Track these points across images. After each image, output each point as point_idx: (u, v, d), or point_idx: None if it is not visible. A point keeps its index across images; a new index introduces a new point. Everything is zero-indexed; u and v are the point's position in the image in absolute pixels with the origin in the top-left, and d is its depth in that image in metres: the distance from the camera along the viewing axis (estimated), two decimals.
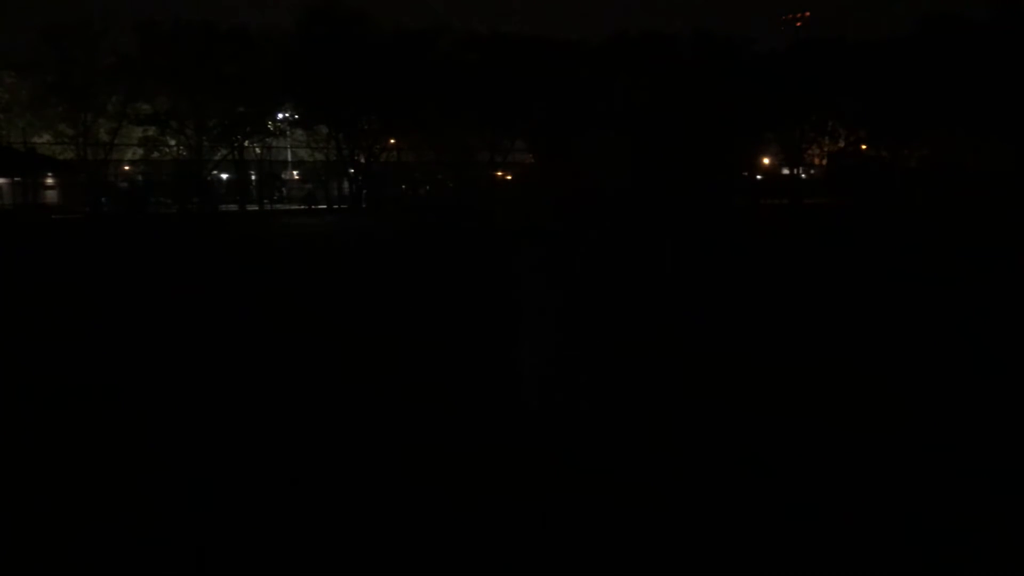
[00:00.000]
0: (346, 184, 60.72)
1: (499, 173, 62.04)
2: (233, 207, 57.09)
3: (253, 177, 61.87)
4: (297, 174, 67.81)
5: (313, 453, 4.87)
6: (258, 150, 60.56)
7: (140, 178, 59.37)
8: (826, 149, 65.73)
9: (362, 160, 58.54)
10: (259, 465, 4.63)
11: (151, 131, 53.59)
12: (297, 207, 59.21)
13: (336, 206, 58.90)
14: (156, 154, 55.52)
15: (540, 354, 5.07)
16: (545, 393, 4.98)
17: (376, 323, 9.39)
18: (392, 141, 60.95)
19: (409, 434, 5.17)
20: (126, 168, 60.06)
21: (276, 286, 13.36)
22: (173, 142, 55.60)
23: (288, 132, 61.53)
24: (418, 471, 4.51)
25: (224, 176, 62.26)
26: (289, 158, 66.22)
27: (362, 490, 4.25)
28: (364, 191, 58.35)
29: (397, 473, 4.48)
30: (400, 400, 5.93)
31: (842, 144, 64.06)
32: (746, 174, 64.61)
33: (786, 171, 66.83)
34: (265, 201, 60.17)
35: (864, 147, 63.04)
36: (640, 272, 14.38)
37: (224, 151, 57.27)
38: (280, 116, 59.38)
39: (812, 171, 68.70)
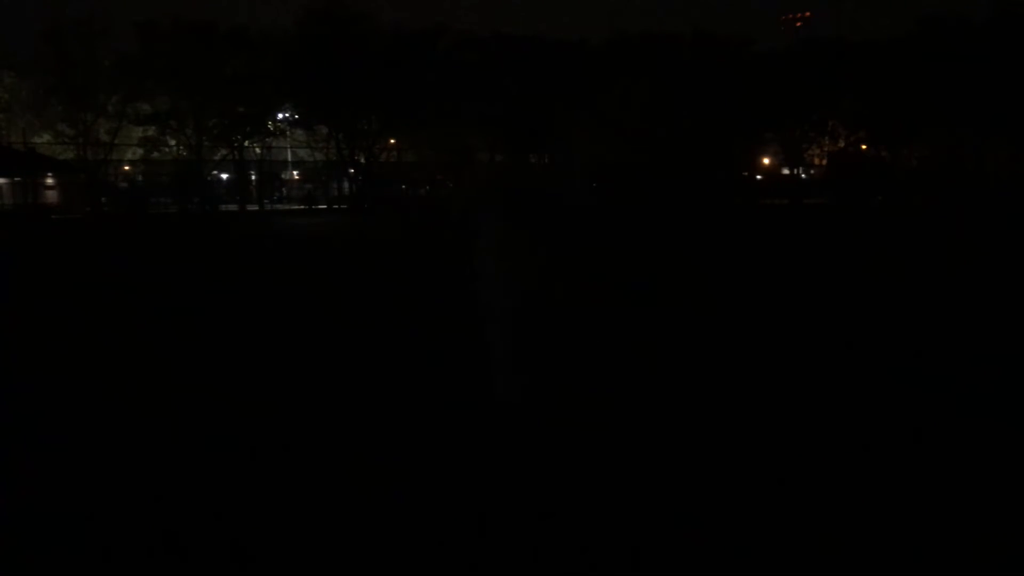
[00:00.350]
0: (346, 184, 60.79)
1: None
2: (233, 207, 57.15)
3: (253, 177, 61.94)
4: (297, 174, 67.91)
5: (306, 460, 4.87)
6: (258, 150, 60.63)
7: (140, 178, 59.45)
8: (826, 149, 65.80)
9: (362, 160, 58.61)
10: (247, 460, 4.64)
11: (151, 131, 53.67)
12: (297, 207, 59.29)
13: (336, 206, 58.97)
14: (156, 154, 55.60)
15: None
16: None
17: (371, 323, 9.40)
18: (392, 141, 61.04)
19: (394, 431, 5.17)
20: (126, 168, 60.15)
21: (275, 286, 13.38)
22: (173, 142, 55.69)
23: (288, 132, 61.60)
24: (396, 467, 4.52)
25: (224, 176, 62.34)
26: (289, 158, 66.30)
27: (354, 491, 4.25)
28: (364, 191, 58.42)
29: (378, 471, 4.49)
30: (383, 398, 5.94)
31: (842, 144, 64.12)
32: (746, 174, 64.68)
33: (786, 171, 66.91)
34: (265, 201, 60.26)
35: (864, 147, 63.10)
36: (629, 269, 14.42)
37: (224, 151, 57.33)
38: (280, 116, 59.45)
39: (812, 171, 68.75)
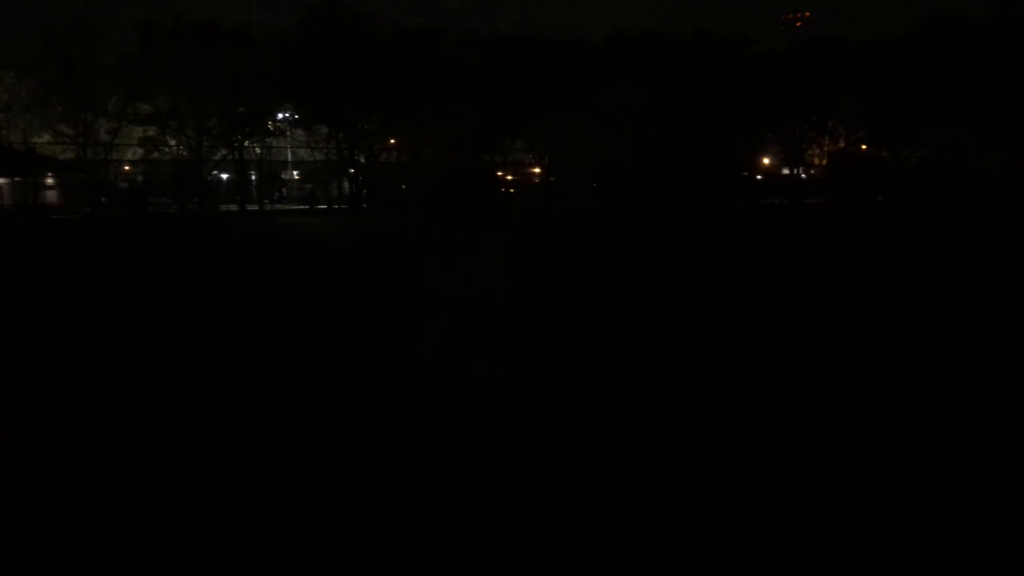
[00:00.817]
0: (346, 184, 60.77)
1: (499, 173, 62.08)
2: (233, 207, 57.11)
3: (253, 177, 61.89)
4: (297, 174, 67.87)
5: (301, 459, 4.88)
6: (258, 150, 60.58)
7: (140, 178, 59.41)
8: (826, 149, 65.78)
9: (362, 160, 58.59)
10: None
11: (151, 131, 53.63)
12: (297, 207, 59.25)
13: (336, 206, 58.94)
14: (156, 154, 55.53)
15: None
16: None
17: (367, 323, 9.40)
18: (392, 141, 60.99)
19: (392, 430, 5.18)
20: (126, 168, 60.09)
21: (268, 287, 13.37)
22: (173, 142, 55.63)
23: (288, 132, 61.54)
24: (397, 467, 4.52)
25: (224, 176, 62.28)
26: (289, 158, 66.26)
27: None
28: (364, 191, 58.40)
29: (379, 471, 4.50)
30: (381, 397, 5.95)
31: (842, 144, 64.11)
32: (746, 174, 64.64)
33: (786, 171, 66.88)
34: (265, 201, 60.20)
35: (864, 147, 63.07)
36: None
37: (224, 151, 57.28)
38: (280, 116, 59.39)
39: (812, 171, 68.73)
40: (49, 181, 54.05)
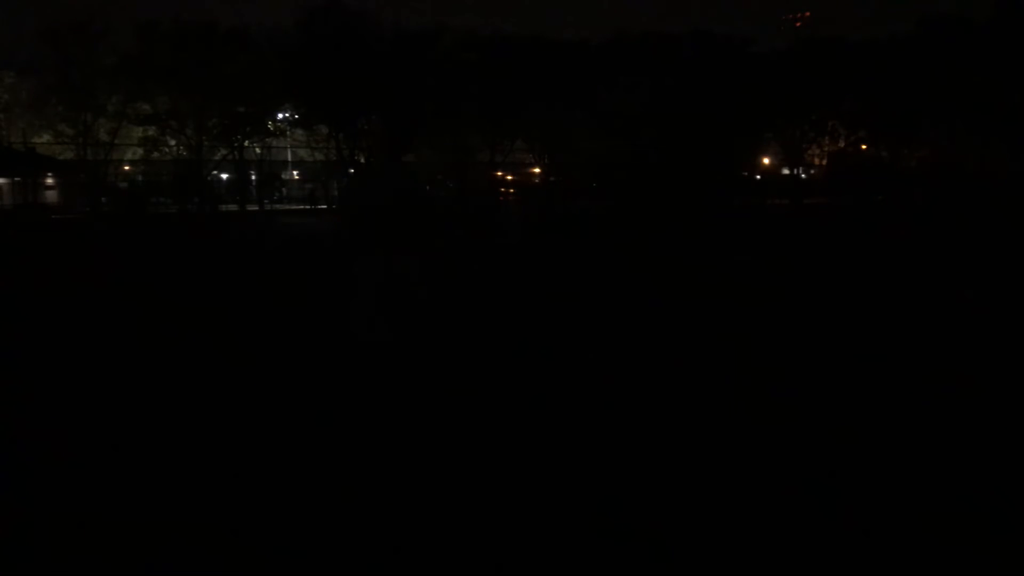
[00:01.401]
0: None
1: (499, 173, 62.12)
2: (233, 207, 57.13)
3: (253, 177, 61.91)
4: (297, 174, 67.91)
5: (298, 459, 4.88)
6: (258, 150, 60.58)
7: (140, 178, 59.45)
8: (826, 149, 65.80)
9: (362, 160, 58.62)
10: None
11: (151, 131, 53.65)
12: (298, 207, 59.27)
13: (336, 206, 59.04)
14: (156, 154, 55.54)
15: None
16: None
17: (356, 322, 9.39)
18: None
19: (385, 428, 5.18)
20: (126, 168, 60.11)
21: (268, 287, 13.38)
22: (173, 142, 55.64)
23: (288, 132, 61.57)
24: (389, 463, 4.52)
25: (224, 176, 62.31)
26: (289, 158, 66.29)
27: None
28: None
29: (370, 467, 4.50)
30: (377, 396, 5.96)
31: (842, 144, 64.13)
32: (746, 174, 64.67)
33: (786, 171, 66.90)
34: (265, 201, 60.23)
35: (864, 147, 63.09)
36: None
37: (224, 151, 57.30)
38: (280, 116, 59.42)
39: (812, 171, 68.76)
40: (49, 181, 54.11)
